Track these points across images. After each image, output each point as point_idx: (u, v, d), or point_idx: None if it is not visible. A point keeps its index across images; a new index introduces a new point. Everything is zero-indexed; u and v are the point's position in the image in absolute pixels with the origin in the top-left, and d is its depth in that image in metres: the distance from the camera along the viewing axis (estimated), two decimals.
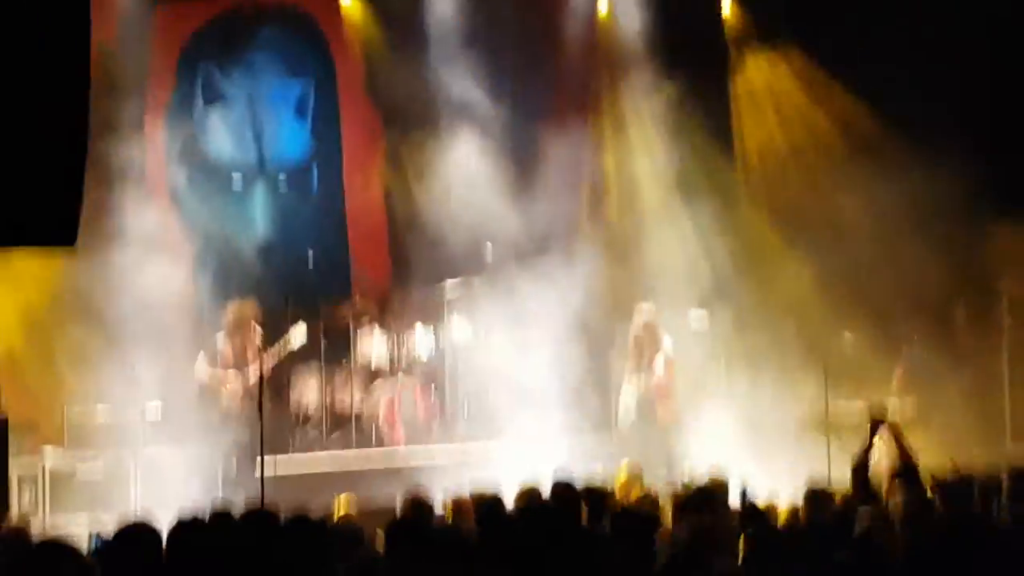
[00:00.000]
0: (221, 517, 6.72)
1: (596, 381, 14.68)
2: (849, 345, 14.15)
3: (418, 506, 7.89)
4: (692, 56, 15.77)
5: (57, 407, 13.43)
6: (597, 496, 8.25)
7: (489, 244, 15.13)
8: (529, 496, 8.40)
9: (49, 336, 13.32)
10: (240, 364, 12.96)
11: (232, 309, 13.16)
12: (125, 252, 13.59)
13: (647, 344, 13.61)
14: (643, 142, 16.01)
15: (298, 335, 13.35)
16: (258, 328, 12.96)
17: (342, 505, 9.30)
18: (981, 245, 15.35)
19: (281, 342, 13.22)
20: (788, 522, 7.86)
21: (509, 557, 6.17)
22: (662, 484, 9.87)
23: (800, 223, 15.60)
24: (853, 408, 13.66)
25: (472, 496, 8.26)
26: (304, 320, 14.17)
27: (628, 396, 13.61)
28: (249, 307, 13.20)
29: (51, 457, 13.01)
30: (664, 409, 13.50)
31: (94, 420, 13.39)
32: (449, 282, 15.13)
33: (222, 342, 13.02)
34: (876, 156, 15.20)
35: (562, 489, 8.08)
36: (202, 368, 12.98)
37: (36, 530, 9.60)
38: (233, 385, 12.87)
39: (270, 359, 12.95)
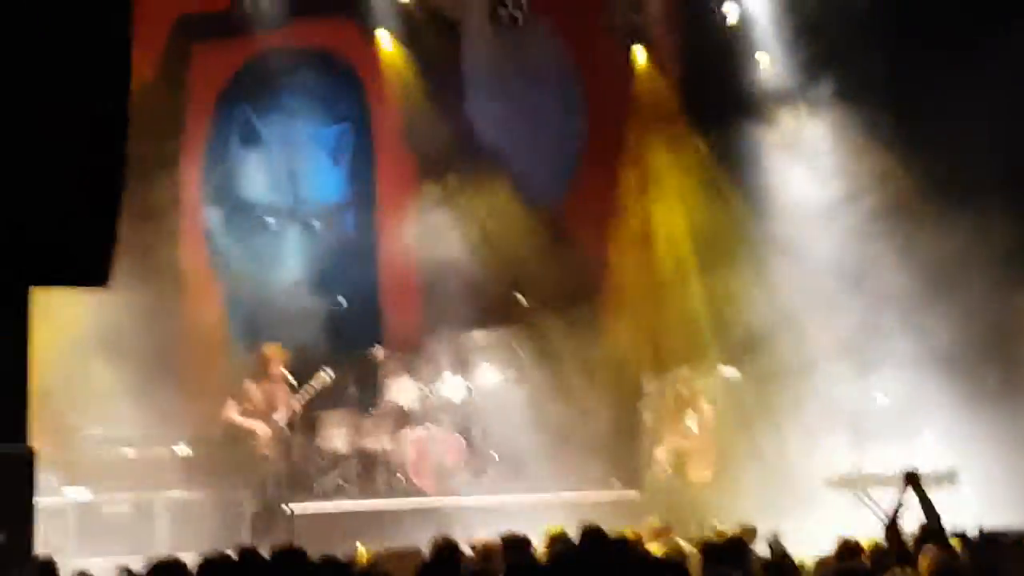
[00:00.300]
0: (250, 554, 6.69)
1: (626, 434, 14.62)
2: (880, 406, 14.05)
3: (446, 550, 7.85)
4: (727, 110, 15.77)
5: (86, 445, 13.42)
6: (626, 544, 8.19)
7: (520, 296, 15.11)
8: (559, 541, 8.36)
9: (80, 373, 13.32)
10: (269, 409, 12.91)
11: (261, 353, 13.11)
12: (158, 291, 13.62)
13: (685, 403, 13.63)
14: (677, 195, 15.97)
15: (322, 378, 13.33)
16: (286, 373, 12.90)
17: (361, 554, 9.26)
18: (1013, 307, 15.24)
19: (307, 386, 13.19)
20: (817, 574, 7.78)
21: None
22: (690, 539, 9.80)
23: (831, 281, 15.53)
24: (883, 467, 13.58)
25: (503, 539, 8.22)
26: (332, 365, 14.20)
27: (662, 454, 13.60)
28: (277, 351, 13.14)
29: (78, 495, 12.99)
30: (696, 469, 13.46)
31: (122, 459, 13.38)
32: (479, 330, 15.10)
33: (250, 386, 12.97)
34: (910, 214, 15.13)
35: (592, 535, 8.03)
36: (231, 412, 12.94)
37: (62, 569, 9.57)
38: (261, 430, 12.82)
39: (298, 403, 12.89)
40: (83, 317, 13.27)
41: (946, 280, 14.60)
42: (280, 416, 12.71)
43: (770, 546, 8.43)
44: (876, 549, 8.41)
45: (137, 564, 8.63)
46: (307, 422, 14.06)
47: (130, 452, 13.40)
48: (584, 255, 15.96)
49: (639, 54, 16.59)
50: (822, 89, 15.70)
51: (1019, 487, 14.10)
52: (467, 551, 8.58)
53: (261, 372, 12.98)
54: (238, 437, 12.94)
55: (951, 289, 14.62)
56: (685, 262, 15.75)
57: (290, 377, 12.90)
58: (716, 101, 15.87)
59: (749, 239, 15.91)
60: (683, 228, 15.90)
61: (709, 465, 13.62)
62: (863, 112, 15.36)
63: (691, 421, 13.50)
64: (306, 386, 13.09)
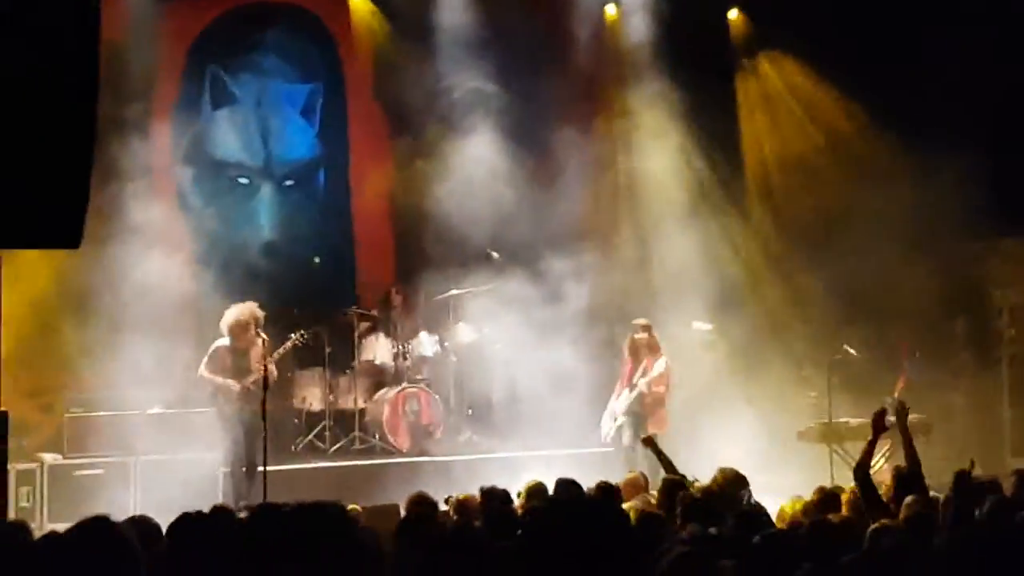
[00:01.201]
0: (223, 511, 6.69)
1: (602, 388, 14.63)
2: (851, 357, 14.10)
3: (423, 506, 7.86)
4: (699, 62, 15.76)
5: (58, 408, 13.38)
6: (605, 493, 8.23)
7: (495, 253, 15.08)
8: (535, 492, 8.40)
9: (50, 335, 13.27)
10: (242, 369, 12.81)
11: (233, 313, 12.97)
12: (128, 251, 13.54)
13: (642, 358, 13.53)
14: (653, 148, 15.94)
15: (294, 339, 13.26)
16: (261, 332, 12.81)
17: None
18: (983, 261, 15.32)
19: (279, 350, 13.09)
20: (792, 524, 7.81)
21: (518, 552, 6.12)
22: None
23: (803, 235, 15.60)
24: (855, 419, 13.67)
25: (481, 493, 8.24)
26: (306, 324, 14.17)
27: (618, 409, 13.51)
28: (250, 310, 13.02)
29: (50, 459, 12.95)
30: (653, 423, 13.35)
31: (94, 422, 13.34)
32: (455, 289, 15.08)
33: (224, 346, 12.86)
34: (881, 169, 15.17)
35: (567, 486, 8.06)
36: (204, 370, 12.87)
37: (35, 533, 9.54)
38: (235, 390, 12.75)
39: (271, 365, 12.81)
40: (54, 279, 13.21)
41: (917, 233, 14.66)
42: (252, 377, 12.65)
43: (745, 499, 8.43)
44: (850, 498, 8.42)
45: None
46: (283, 383, 14.03)
47: (102, 414, 13.35)
48: (561, 210, 15.92)
49: (610, 6, 16.57)
50: (789, 43, 15.72)
51: (987, 437, 14.22)
52: (444, 507, 8.62)
53: (234, 333, 12.83)
54: (212, 400, 12.88)
55: (922, 242, 14.68)
56: (665, 216, 15.73)
57: (264, 337, 12.81)
58: (688, 54, 15.86)
59: (726, 193, 15.93)
60: (662, 181, 15.88)
61: (665, 420, 13.49)
62: (830, 66, 15.39)
63: (649, 377, 13.37)
64: (278, 350, 13.01)
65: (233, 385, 12.72)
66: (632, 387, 13.45)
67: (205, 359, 12.82)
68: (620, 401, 13.50)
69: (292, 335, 13.16)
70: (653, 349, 13.53)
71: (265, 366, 12.37)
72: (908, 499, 7.81)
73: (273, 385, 12.52)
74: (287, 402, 14.43)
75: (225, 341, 12.82)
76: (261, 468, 12.03)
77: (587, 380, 14.54)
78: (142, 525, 6.71)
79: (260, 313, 12.95)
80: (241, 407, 12.71)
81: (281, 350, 13.03)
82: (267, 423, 11.98)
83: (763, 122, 16.34)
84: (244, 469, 12.67)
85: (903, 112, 14.60)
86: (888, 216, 14.73)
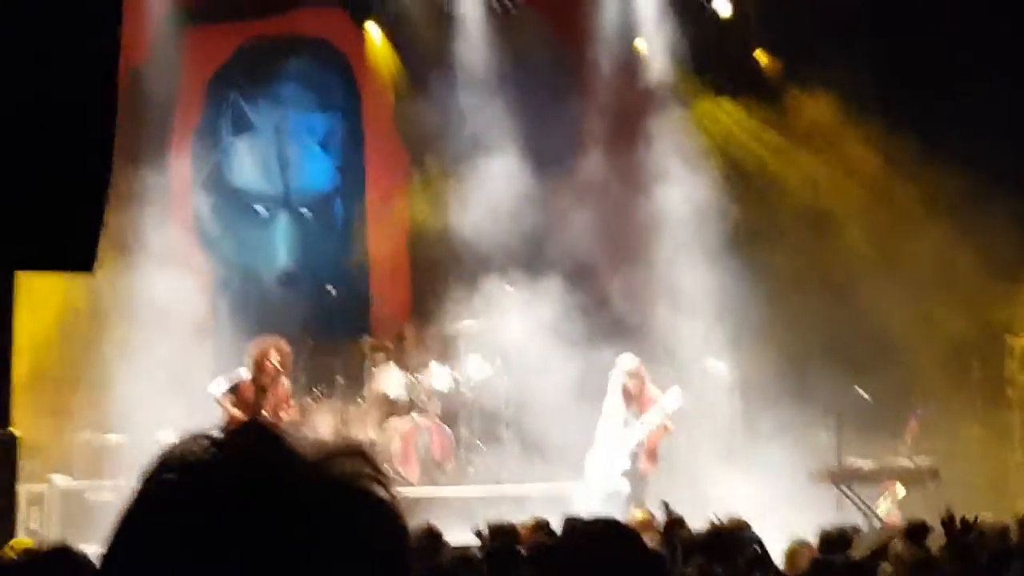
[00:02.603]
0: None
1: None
2: (862, 399, 14.07)
3: (429, 539, 7.86)
4: (728, 95, 15.84)
5: (70, 431, 13.42)
6: (614, 531, 8.20)
7: (510, 287, 15.10)
8: (540, 529, 8.40)
9: (65, 358, 13.33)
10: (259, 407, 12.47)
11: (253, 347, 12.58)
12: (145, 276, 13.59)
13: (633, 398, 13.24)
14: (677, 180, 15.90)
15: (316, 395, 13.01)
16: (282, 371, 12.45)
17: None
18: (998, 303, 15.31)
19: (300, 403, 12.82)
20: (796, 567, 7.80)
21: None
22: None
23: (823, 271, 15.56)
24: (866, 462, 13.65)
25: (489, 527, 8.25)
26: (319, 353, 14.19)
27: (615, 447, 13.28)
28: (268, 347, 12.49)
29: (61, 482, 12.98)
30: (647, 465, 13.20)
31: (106, 445, 13.38)
32: (468, 320, 15.09)
33: (245, 378, 12.53)
34: (898, 210, 15.19)
35: (573, 524, 8.04)
36: (222, 398, 12.71)
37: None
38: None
39: (293, 411, 12.53)
40: (69, 302, 13.27)
41: (933, 275, 14.68)
42: (267, 417, 12.35)
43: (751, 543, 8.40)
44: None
45: None
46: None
47: (114, 439, 13.39)
48: (579, 245, 15.93)
49: (640, 40, 16.61)
50: (820, 76, 15.73)
51: (999, 480, 14.18)
52: (453, 540, 8.60)
53: (253, 368, 12.46)
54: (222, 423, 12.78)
55: (938, 284, 14.69)
56: (686, 247, 15.67)
57: (287, 381, 12.54)
58: (719, 86, 15.97)
59: (751, 228, 15.89)
60: (686, 213, 15.83)
61: (657, 462, 13.33)
62: (860, 99, 15.43)
63: (649, 418, 13.12)
64: (295, 403, 12.68)
65: (244, 419, 12.41)
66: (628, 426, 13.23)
67: (226, 384, 12.54)
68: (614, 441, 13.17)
69: (315, 389, 12.94)
70: (643, 390, 13.23)
71: (282, 408, 12.18)
72: (899, 547, 7.81)
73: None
74: (297, 431, 14.42)
75: (245, 373, 12.47)
76: None
77: (598, 414, 14.52)
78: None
79: (286, 349, 12.53)
80: None
81: (300, 405, 12.72)
82: None
83: (791, 159, 16.31)
84: None
85: (932, 151, 14.66)
86: (905, 257, 14.75)
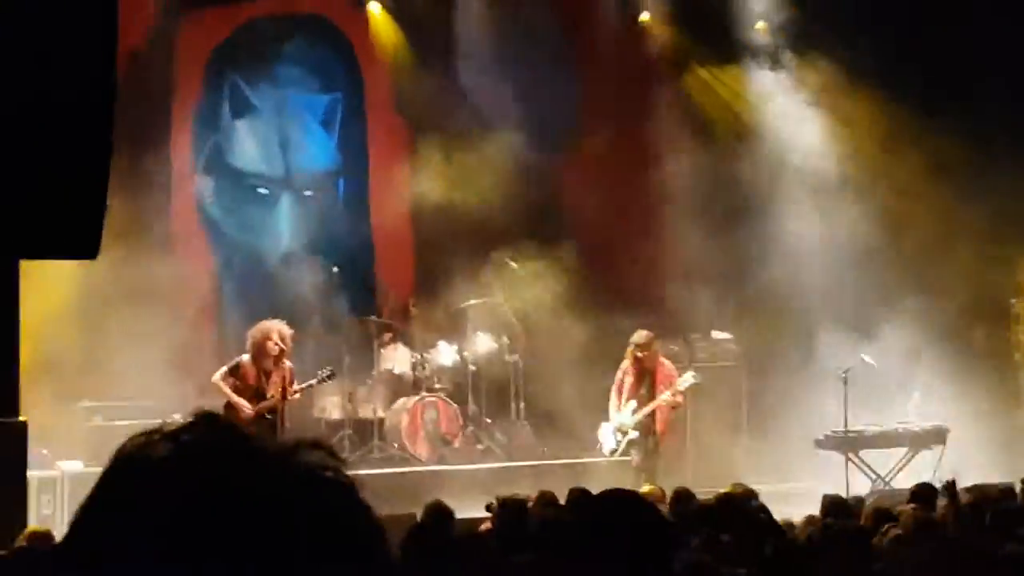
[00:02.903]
0: None
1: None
2: (869, 366, 14.08)
3: (439, 515, 7.90)
4: (732, 64, 15.83)
5: (78, 417, 13.46)
6: (622, 504, 8.24)
7: (514, 263, 15.12)
8: (548, 503, 8.44)
9: (71, 344, 13.35)
10: (260, 391, 12.46)
11: (255, 330, 12.43)
12: (149, 260, 13.61)
13: (645, 371, 13.29)
14: (685, 151, 15.87)
15: (321, 376, 12.98)
16: (286, 354, 12.46)
17: None
18: (1004, 267, 15.32)
19: (306, 384, 12.80)
20: (806, 534, 7.82)
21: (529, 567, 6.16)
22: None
23: (824, 240, 15.56)
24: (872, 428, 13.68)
25: (499, 501, 8.29)
26: (325, 334, 14.23)
27: (627, 423, 13.34)
28: (270, 330, 12.36)
29: (71, 467, 13.03)
30: (661, 438, 13.29)
31: (115, 430, 13.41)
32: (473, 297, 15.12)
33: (246, 362, 12.45)
34: (903, 176, 15.16)
35: (580, 494, 8.10)
36: (220, 382, 12.68)
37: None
38: (245, 411, 12.35)
39: (294, 393, 12.51)
40: (74, 288, 13.29)
41: (939, 241, 14.69)
42: (267, 403, 12.29)
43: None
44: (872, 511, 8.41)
45: None
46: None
47: (123, 423, 13.43)
48: (583, 217, 15.94)
49: (644, 11, 16.56)
50: (821, 44, 15.69)
51: (1006, 443, 14.19)
52: (462, 516, 8.64)
53: (254, 352, 12.27)
54: (224, 408, 12.73)
55: (944, 250, 14.70)
56: (694, 219, 15.64)
57: (289, 364, 12.54)
58: (721, 55, 15.96)
59: (759, 196, 15.84)
60: (694, 184, 15.81)
61: (671, 431, 13.43)
62: (867, 61, 15.38)
63: (665, 393, 13.21)
64: (299, 386, 12.66)
65: (245, 408, 12.32)
66: (638, 400, 13.29)
67: (226, 368, 12.55)
68: (625, 415, 13.30)
69: (320, 372, 12.90)
70: (655, 362, 13.33)
71: (283, 393, 12.17)
72: (909, 508, 7.84)
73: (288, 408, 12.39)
74: (306, 412, 14.46)
75: (247, 358, 12.36)
76: None
77: (606, 387, 14.56)
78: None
79: (287, 332, 12.42)
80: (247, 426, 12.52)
81: (304, 386, 12.73)
82: (286, 432, 11.96)
83: (801, 125, 16.23)
84: None
85: (934, 116, 14.67)
86: (911, 223, 14.76)
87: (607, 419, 13.45)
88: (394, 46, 16.19)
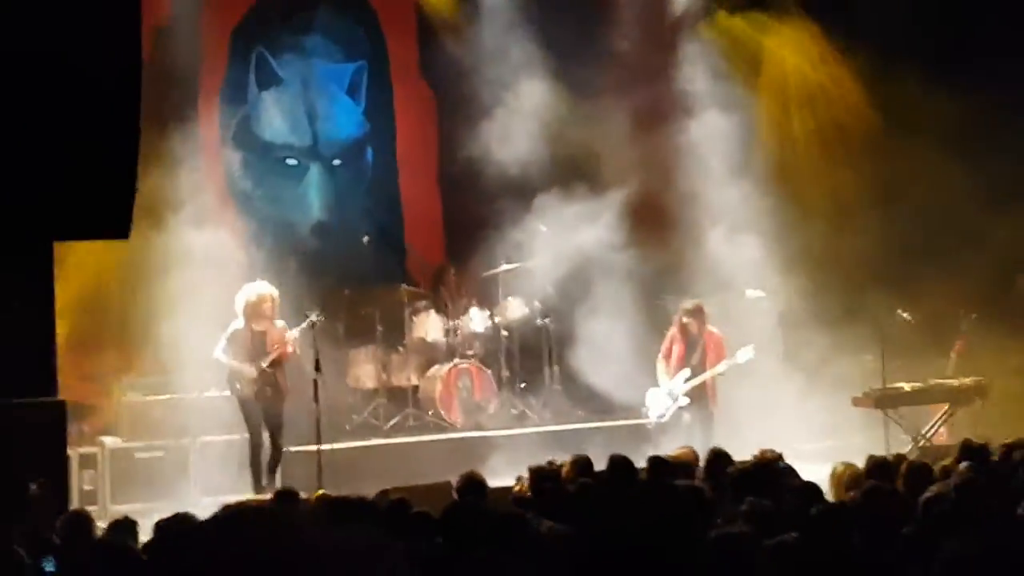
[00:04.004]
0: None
1: (651, 361, 14.63)
2: (906, 322, 13.99)
3: (472, 486, 7.91)
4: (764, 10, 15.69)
5: (116, 391, 13.52)
6: (657, 469, 8.26)
7: (543, 227, 15.07)
8: (583, 467, 8.44)
9: (106, 321, 13.40)
10: (260, 351, 12.69)
11: (244, 293, 12.78)
12: (180, 235, 13.63)
13: (694, 338, 13.42)
14: (712, 107, 15.74)
15: (310, 321, 13.03)
16: (275, 313, 12.72)
17: None
18: None
19: (293, 332, 12.91)
20: (849, 496, 7.79)
21: (565, 539, 6.16)
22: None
23: (863, 196, 15.43)
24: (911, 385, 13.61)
25: (530, 470, 8.31)
26: (358, 303, 14.25)
27: (676, 390, 13.44)
28: (262, 290, 12.80)
29: (110, 443, 13.11)
30: (715, 401, 13.41)
31: (152, 405, 13.49)
32: (505, 264, 15.09)
33: (240, 328, 12.72)
34: (945, 133, 14.96)
35: (619, 461, 8.11)
36: (220, 356, 12.80)
37: (98, 516, 9.67)
38: (247, 372, 12.62)
39: (291, 345, 12.71)
40: (108, 265, 13.32)
41: (977, 197, 14.55)
42: (269, 358, 12.58)
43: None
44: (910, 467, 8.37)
45: (170, 510, 8.71)
46: (334, 360, 14.07)
47: (161, 398, 13.51)
48: (614, 176, 15.86)
49: None
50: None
51: None
52: (498, 482, 8.67)
53: (248, 313, 12.68)
54: (229, 380, 12.86)
55: (981, 205, 14.58)
56: (721, 177, 15.52)
57: (280, 322, 12.74)
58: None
59: (785, 153, 15.69)
60: (722, 142, 15.68)
61: (716, 398, 13.50)
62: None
63: (697, 353, 13.31)
64: (293, 331, 12.84)
65: (247, 369, 12.62)
66: (692, 368, 13.33)
67: (224, 341, 12.75)
68: (677, 382, 13.39)
69: (308, 315, 13.01)
70: (704, 330, 13.43)
71: (281, 349, 12.35)
72: (961, 466, 7.81)
73: (320, 366, 12.47)
74: (340, 381, 14.49)
75: (240, 323, 12.74)
76: (292, 449, 12.07)
77: (638, 352, 14.54)
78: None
79: (275, 292, 12.82)
80: (260, 389, 12.66)
81: (296, 331, 12.88)
82: (319, 403, 12.04)
83: (821, 83, 16.08)
84: (272, 453, 12.73)
85: (979, 59, 14.54)
86: (949, 179, 14.61)
87: (661, 383, 13.51)
88: (420, 12, 16.11)
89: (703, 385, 13.33)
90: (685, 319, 13.39)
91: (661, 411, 13.45)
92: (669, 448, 10.90)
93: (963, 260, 14.42)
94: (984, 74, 14.56)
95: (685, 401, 13.34)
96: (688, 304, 13.49)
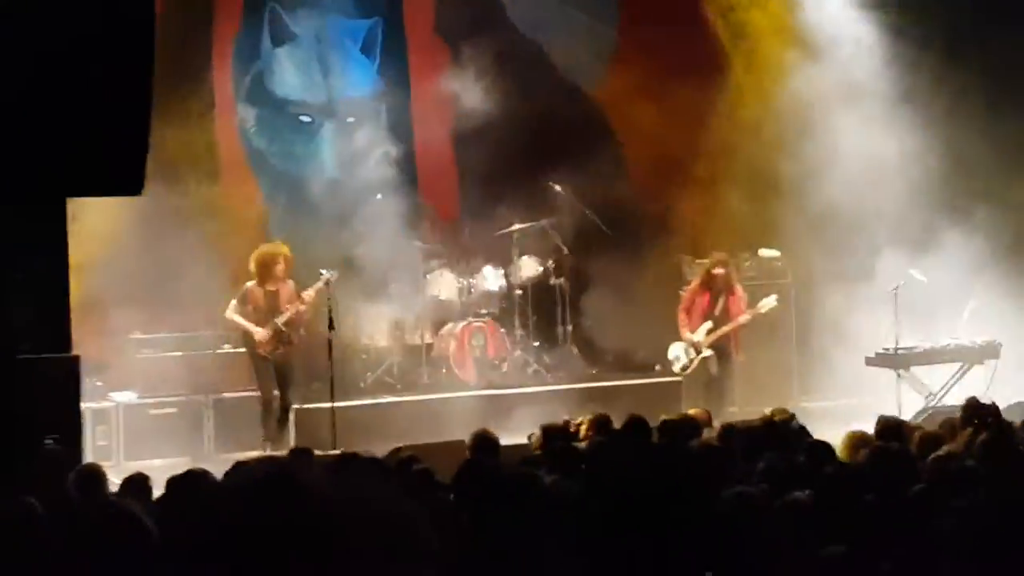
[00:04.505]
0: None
1: (668, 320, 14.64)
2: (919, 281, 13.95)
3: (485, 444, 7.93)
4: None
5: (131, 349, 13.56)
6: (670, 429, 8.29)
7: (557, 186, 15.06)
8: (598, 427, 8.46)
9: (121, 276, 13.41)
10: (273, 310, 12.78)
11: (258, 252, 12.92)
12: (194, 192, 13.65)
13: (719, 291, 13.58)
14: (734, 66, 15.62)
15: (324, 277, 13.08)
16: (289, 273, 12.77)
17: None
18: None
19: (307, 291, 12.97)
20: (857, 455, 7.80)
21: (577, 498, 6.16)
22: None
23: (880, 154, 15.30)
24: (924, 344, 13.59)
25: (543, 428, 8.34)
26: (371, 261, 14.27)
27: (699, 341, 13.51)
28: (274, 250, 12.95)
29: (124, 398, 13.17)
30: (738, 353, 13.61)
31: (167, 361, 13.53)
32: (517, 221, 15.07)
33: (253, 287, 12.83)
34: (961, 99, 14.83)
35: (637, 419, 8.14)
36: (232, 315, 12.88)
37: (112, 471, 9.71)
38: (260, 333, 12.73)
39: (303, 306, 12.79)
40: (122, 221, 13.33)
41: (992, 159, 14.47)
42: (282, 317, 12.69)
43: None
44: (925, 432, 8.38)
45: (185, 466, 8.76)
46: (347, 318, 14.10)
47: (174, 354, 13.55)
48: (628, 134, 15.81)
49: None
50: None
51: None
52: (506, 442, 8.68)
53: (261, 272, 12.81)
54: (243, 339, 12.96)
55: (996, 167, 14.51)
56: (740, 136, 15.45)
57: (292, 283, 12.82)
58: None
59: (813, 109, 15.56)
60: (726, 110, 15.61)
61: (739, 349, 13.67)
62: None
63: (720, 305, 13.53)
64: (307, 290, 12.93)
65: (258, 330, 12.73)
66: (714, 320, 13.51)
67: (235, 301, 12.86)
68: (700, 334, 13.61)
69: (322, 273, 13.06)
70: (731, 283, 13.72)
71: (294, 308, 12.41)
72: (969, 428, 7.82)
73: (334, 324, 12.51)
74: (353, 339, 14.52)
75: (253, 282, 12.88)
76: (307, 406, 12.10)
77: (654, 308, 14.54)
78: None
79: (287, 252, 12.96)
80: (273, 348, 12.73)
81: (311, 290, 12.95)
82: (332, 362, 12.08)
83: (858, 37, 15.88)
84: (280, 411, 12.79)
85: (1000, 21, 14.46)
86: (963, 143, 14.50)
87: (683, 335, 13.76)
88: None
89: (727, 336, 13.60)
90: (716, 269, 13.66)
91: (685, 362, 13.73)
92: (693, 404, 10.96)
93: (978, 221, 14.35)
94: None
95: (709, 353, 13.58)
96: (719, 255, 13.81)
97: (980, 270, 14.26)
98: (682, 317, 13.80)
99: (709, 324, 13.61)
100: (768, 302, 13.71)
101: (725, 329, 13.58)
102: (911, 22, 15.17)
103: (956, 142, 14.54)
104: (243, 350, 13.11)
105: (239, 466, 5.14)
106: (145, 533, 4.20)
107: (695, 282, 13.91)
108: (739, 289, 13.81)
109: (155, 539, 4.20)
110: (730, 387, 13.46)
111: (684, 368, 13.71)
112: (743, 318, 13.60)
